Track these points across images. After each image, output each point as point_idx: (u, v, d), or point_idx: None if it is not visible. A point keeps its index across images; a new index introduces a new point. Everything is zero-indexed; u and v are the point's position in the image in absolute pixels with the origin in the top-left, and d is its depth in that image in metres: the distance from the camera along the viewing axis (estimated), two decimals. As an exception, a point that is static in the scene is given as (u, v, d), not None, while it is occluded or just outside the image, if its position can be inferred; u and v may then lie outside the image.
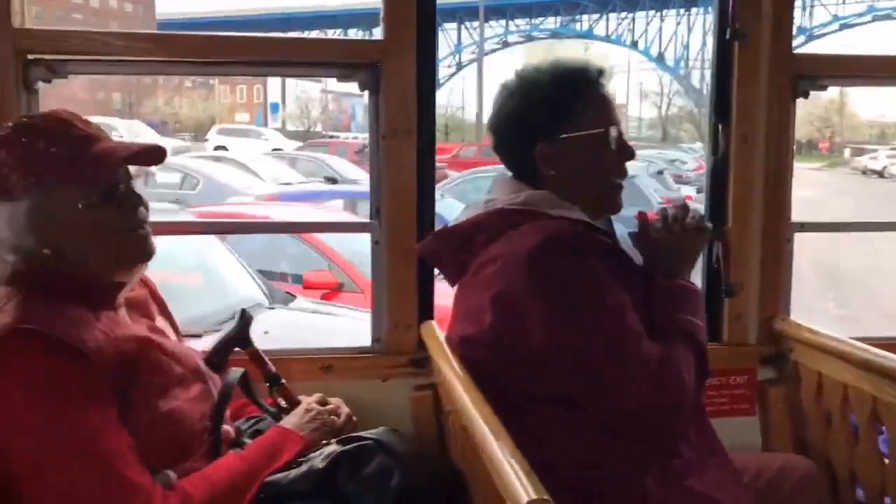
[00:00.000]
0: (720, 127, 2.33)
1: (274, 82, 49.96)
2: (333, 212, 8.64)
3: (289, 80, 47.47)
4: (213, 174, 12.52)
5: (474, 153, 22.94)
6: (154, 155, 1.51)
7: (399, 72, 2.11)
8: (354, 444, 1.64)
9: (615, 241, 1.82)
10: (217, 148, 22.47)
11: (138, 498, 1.39)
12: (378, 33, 2.14)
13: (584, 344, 1.60)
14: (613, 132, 1.75)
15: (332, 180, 13.71)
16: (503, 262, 1.68)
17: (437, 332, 2.07)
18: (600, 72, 1.79)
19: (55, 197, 1.46)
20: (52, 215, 1.46)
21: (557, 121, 1.73)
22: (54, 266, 1.49)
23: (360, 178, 15.38)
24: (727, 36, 2.28)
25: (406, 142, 2.14)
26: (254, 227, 5.34)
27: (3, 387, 1.38)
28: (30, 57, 2.01)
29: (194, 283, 5.16)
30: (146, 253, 1.58)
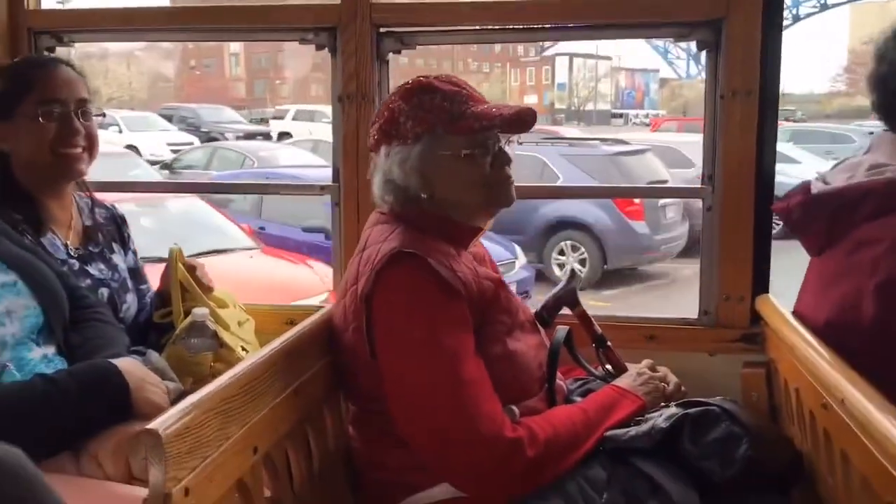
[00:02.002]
0: None
1: (562, 62, 49.97)
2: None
3: (576, 60, 47.18)
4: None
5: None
6: (526, 120, 1.61)
7: (743, 28, 1.99)
8: (698, 409, 1.59)
9: None
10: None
11: (491, 425, 1.48)
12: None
13: None
14: None
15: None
16: None
17: (777, 307, 1.94)
18: None
19: (441, 145, 1.61)
20: (437, 160, 1.61)
21: None
22: (426, 208, 1.64)
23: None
24: None
25: (747, 102, 2.02)
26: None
27: (387, 298, 1.55)
28: (382, 30, 2.17)
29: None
30: (509, 201, 1.68)
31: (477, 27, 2.18)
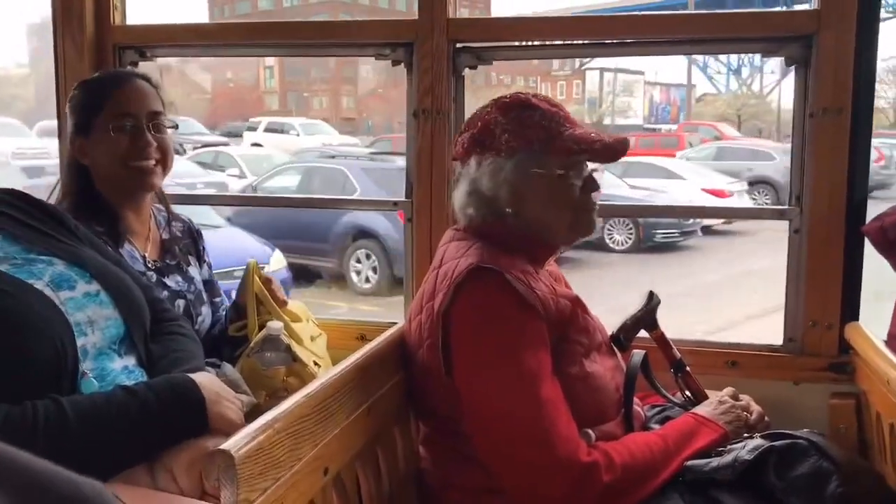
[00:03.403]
0: None
1: (592, 76, 48.96)
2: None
3: (607, 74, 46.35)
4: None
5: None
6: (620, 150, 1.58)
7: (835, 43, 1.91)
8: (784, 441, 1.52)
9: None
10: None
11: (566, 447, 1.44)
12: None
13: None
14: None
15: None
16: None
17: (869, 336, 1.85)
18: None
19: (537, 163, 1.58)
20: (531, 177, 1.59)
21: None
22: (507, 224, 1.61)
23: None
24: None
25: (838, 121, 1.93)
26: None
27: (465, 314, 1.52)
28: (458, 45, 2.15)
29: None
30: (592, 229, 1.66)
31: (556, 42, 2.14)
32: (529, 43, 2.15)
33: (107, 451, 1.26)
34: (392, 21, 2.22)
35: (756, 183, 15.61)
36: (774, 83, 40.85)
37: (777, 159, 16.08)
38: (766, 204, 14.88)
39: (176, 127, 1.98)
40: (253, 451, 1.12)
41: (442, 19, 2.12)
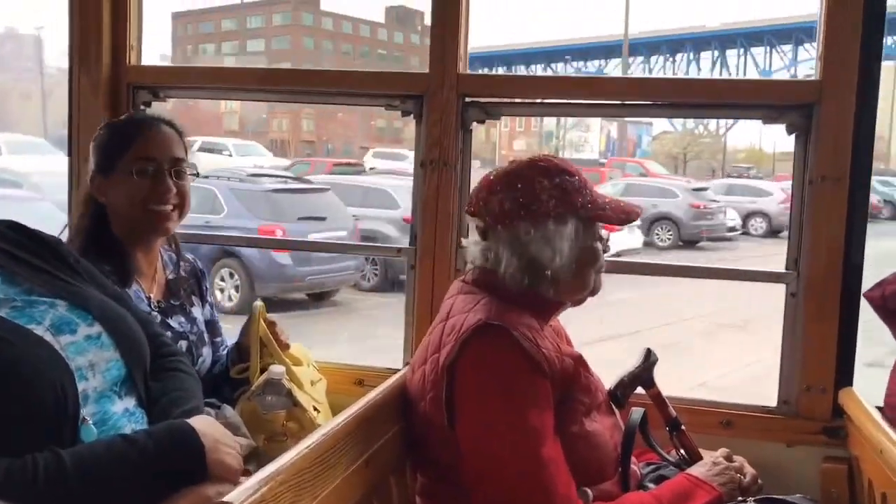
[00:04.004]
0: None
1: None
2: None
3: None
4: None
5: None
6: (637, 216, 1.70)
7: (836, 113, 1.96)
8: (778, 507, 1.53)
9: None
10: (371, 169, 21.20)
11: None
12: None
13: None
14: None
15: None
16: None
17: (862, 402, 1.87)
18: None
19: (584, 227, 1.62)
20: (580, 242, 1.61)
21: None
22: (537, 285, 1.61)
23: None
24: None
25: (836, 189, 1.97)
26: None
27: (471, 369, 1.54)
28: (468, 99, 2.20)
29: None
30: (598, 291, 1.70)
31: (561, 101, 2.19)
32: (536, 101, 2.20)
33: (106, 500, 1.27)
34: (404, 74, 2.28)
35: (659, 219, 16.65)
36: (729, 125, 41.23)
37: (680, 197, 17.03)
38: (668, 239, 16.42)
39: (197, 174, 2.01)
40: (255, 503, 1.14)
41: (452, 74, 2.17)
